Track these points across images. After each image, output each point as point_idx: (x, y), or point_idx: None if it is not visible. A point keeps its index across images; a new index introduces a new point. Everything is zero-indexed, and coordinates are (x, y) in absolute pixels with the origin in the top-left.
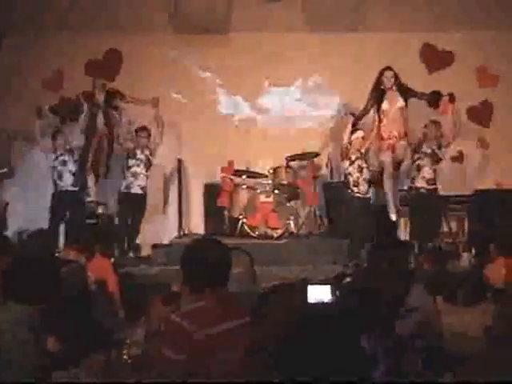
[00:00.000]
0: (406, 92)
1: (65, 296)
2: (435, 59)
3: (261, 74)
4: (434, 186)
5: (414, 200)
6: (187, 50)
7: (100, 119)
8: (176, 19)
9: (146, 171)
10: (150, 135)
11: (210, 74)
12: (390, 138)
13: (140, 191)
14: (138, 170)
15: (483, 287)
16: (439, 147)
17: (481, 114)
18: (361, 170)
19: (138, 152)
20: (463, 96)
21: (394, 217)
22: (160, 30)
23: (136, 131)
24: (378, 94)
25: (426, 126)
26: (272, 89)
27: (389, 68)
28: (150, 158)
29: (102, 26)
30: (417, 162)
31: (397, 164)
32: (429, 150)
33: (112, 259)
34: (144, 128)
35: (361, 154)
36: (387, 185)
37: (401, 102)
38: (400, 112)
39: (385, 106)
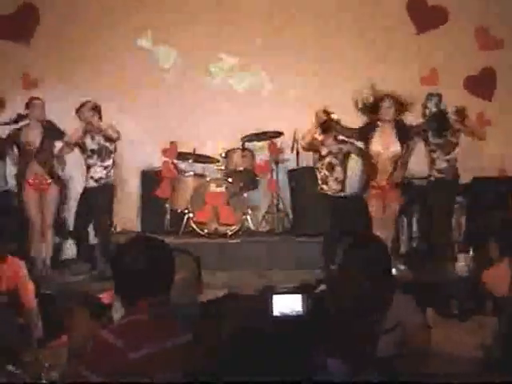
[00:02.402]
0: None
1: None
2: (425, 16)
3: (213, 37)
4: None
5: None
6: (122, 5)
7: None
8: None
9: (103, 161)
10: (99, 114)
11: (149, 32)
12: (379, 188)
13: (94, 184)
14: (92, 161)
15: (482, 296)
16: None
17: (481, 85)
18: (332, 167)
19: (88, 141)
20: (459, 63)
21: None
22: None
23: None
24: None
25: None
26: (225, 53)
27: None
28: (107, 144)
29: None
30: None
31: None
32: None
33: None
34: (93, 106)
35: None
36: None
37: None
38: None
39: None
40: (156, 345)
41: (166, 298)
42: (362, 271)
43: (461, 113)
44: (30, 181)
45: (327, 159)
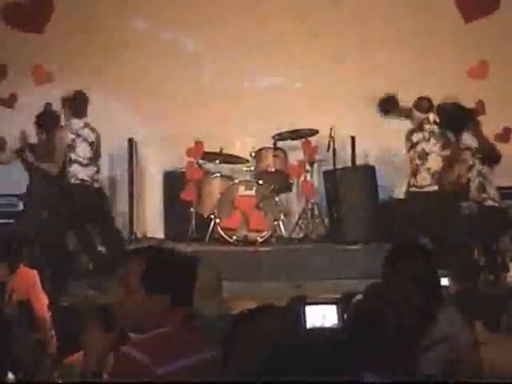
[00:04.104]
0: None
1: None
2: (474, 4)
3: (242, 32)
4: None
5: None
6: None
7: None
8: None
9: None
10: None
11: (174, 25)
12: None
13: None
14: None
15: None
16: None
17: None
18: (425, 155)
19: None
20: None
21: None
22: None
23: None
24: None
25: None
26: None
27: None
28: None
29: None
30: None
31: None
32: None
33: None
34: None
35: (430, 132)
36: None
37: None
38: None
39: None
40: (187, 359)
41: (191, 310)
42: (405, 282)
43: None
44: None
45: (421, 145)
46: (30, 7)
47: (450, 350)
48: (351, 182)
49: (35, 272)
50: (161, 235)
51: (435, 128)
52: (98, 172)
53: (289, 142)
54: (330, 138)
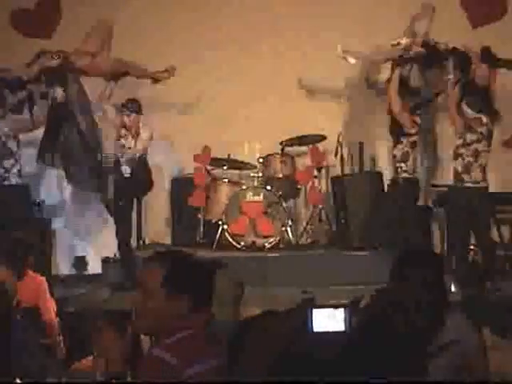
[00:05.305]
0: None
1: None
2: (482, 8)
3: (248, 33)
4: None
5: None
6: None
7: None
8: None
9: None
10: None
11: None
12: None
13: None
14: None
15: None
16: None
17: None
18: (477, 154)
19: None
20: None
21: None
22: None
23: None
24: None
25: None
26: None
27: None
28: None
29: None
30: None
31: None
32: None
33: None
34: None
35: (481, 134)
36: None
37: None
38: None
39: None
40: (210, 361)
41: (211, 314)
42: (414, 288)
43: None
44: None
45: (475, 145)
46: (37, 13)
47: (458, 356)
48: (359, 188)
49: (43, 278)
50: (168, 241)
51: (485, 130)
52: (6, 172)
53: (296, 148)
54: (338, 144)
